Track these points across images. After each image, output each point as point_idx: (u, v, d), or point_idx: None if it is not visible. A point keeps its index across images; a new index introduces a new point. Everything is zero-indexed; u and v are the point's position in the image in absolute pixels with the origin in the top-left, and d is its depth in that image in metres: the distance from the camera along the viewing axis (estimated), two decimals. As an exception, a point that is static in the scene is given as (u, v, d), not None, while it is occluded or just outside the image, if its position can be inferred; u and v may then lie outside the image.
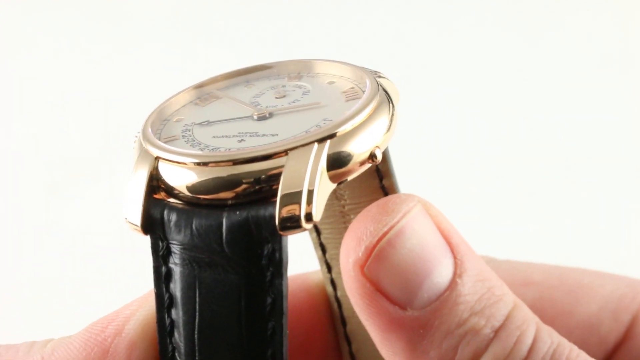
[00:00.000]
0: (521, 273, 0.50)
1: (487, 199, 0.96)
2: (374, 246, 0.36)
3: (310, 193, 0.33)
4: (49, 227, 0.99)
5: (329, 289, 0.48)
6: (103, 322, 0.37)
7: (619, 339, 0.49)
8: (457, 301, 0.36)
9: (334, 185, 0.35)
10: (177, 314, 0.35)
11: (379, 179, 0.41)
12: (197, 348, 0.35)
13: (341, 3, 1.29)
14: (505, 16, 1.27)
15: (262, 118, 0.38)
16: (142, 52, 1.23)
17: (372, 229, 0.36)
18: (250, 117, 0.38)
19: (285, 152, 0.33)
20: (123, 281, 0.67)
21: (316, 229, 0.45)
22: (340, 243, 0.44)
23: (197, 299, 0.34)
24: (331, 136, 0.34)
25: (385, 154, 0.40)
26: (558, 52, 1.21)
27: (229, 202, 0.34)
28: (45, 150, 1.09)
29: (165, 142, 0.37)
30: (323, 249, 0.46)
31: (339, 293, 0.48)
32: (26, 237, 0.99)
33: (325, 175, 0.34)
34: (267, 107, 0.38)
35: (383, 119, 0.36)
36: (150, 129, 0.37)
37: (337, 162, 0.34)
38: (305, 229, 0.33)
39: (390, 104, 0.37)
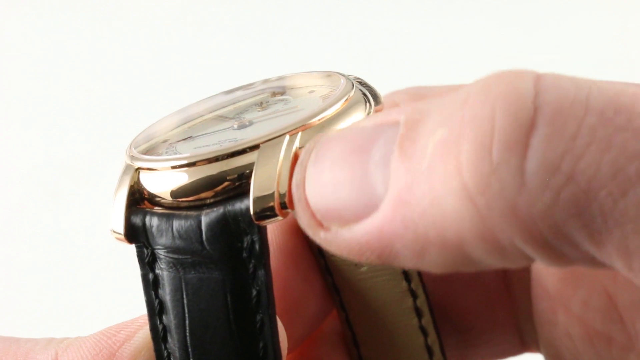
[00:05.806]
0: None
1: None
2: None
3: (284, 181, 0.33)
4: (49, 229, 1.00)
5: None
6: (117, 327, 0.36)
7: None
8: None
9: None
10: (168, 318, 0.35)
11: None
12: (190, 350, 0.35)
13: (342, 4, 1.29)
14: (505, 14, 1.27)
15: (242, 127, 0.38)
16: (142, 54, 1.23)
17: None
18: (231, 127, 0.39)
19: (257, 146, 0.34)
20: (125, 284, 0.68)
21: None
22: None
23: (185, 301, 0.35)
24: (302, 127, 0.34)
25: None
26: (557, 50, 1.21)
27: (208, 201, 0.34)
28: (45, 152, 1.10)
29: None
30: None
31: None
32: (26, 238, 0.99)
33: None
34: (249, 118, 0.39)
35: (359, 113, 0.36)
36: (133, 148, 0.38)
37: None
38: (282, 217, 0.33)
39: (368, 103, 0.37)
